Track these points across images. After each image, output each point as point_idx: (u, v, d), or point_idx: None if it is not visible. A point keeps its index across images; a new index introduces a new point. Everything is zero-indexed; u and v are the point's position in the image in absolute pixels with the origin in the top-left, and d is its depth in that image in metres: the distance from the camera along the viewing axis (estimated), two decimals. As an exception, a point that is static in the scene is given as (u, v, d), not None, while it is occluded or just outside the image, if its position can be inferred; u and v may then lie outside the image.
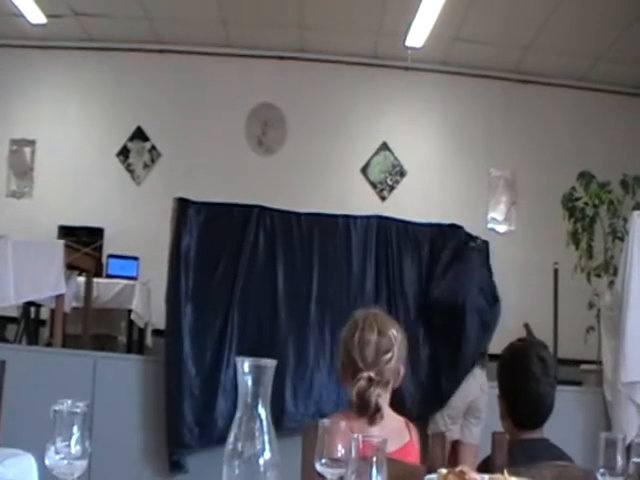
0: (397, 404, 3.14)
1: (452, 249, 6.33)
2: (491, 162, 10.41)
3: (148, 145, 10.39)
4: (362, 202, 9.57)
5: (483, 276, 6.29)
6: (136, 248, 9.15)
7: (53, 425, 1.69)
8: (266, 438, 1.61)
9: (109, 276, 8.78)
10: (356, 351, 3.02)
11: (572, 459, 3.04)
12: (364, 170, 10.44)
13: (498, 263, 7.60)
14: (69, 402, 1.73)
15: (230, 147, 10.32)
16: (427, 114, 10.72)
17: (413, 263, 6.33)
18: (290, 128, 10.48)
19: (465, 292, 6.07)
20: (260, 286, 6.16)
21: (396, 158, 10.47)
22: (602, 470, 2.16)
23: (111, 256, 9.08)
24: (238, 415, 1.62)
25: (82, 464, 1.71)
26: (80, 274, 7.90)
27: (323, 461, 1.94)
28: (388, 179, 10.46)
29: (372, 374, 2.98)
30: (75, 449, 1.70)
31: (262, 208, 6.31)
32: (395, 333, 3.08)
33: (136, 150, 10.39)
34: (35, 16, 9.31)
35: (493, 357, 3.68)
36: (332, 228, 6.40)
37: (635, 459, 2.16)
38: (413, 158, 10.49)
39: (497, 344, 3.90)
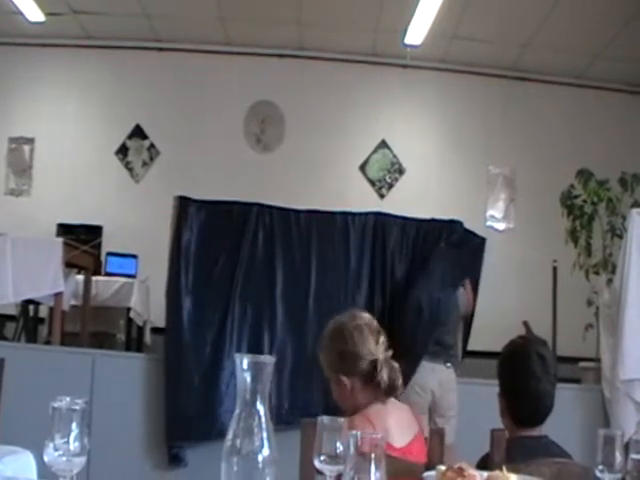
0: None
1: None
2: (490, 159, 10.42)
3: (147, 143, 10.39)
4: (361, 200, 9.58)
5: (443, 269, 6.25)
6: (135, 246, 9.16)
7: (52, 422, 1.69)
8: (265, 435, 1.61)
9: (108, 274, 8.78)
10: (359, 347, 3.05)
11: (571, 456, 3.04)
12: (363, 168, 10.44)
13: (497, 261, 7.64)
14: (68, 399, 1.73)
15: (229, 145, 10.33)
16: (426, 112, 10.73)
17: (411, 259, 6.35)
18: (288, 126, 10.48)
19: (416, 283, 6.13)
20: (259, 282, 6.20)
21: (395, 156, 10.47)
22: (601, 467, 2.17)
23: (110, 254, 9.09)
24: (237, 412, 1.62)
25: (81, 461, 1.71)
26: (79, 272, 7.90)
27: (322, 457, 1.94)
28: (387, 177, 10.46)
29: (383, 355, 3.05)
30: (74, 446, 1.70)
31: (261, 206, 6.35)
32: (379, 328, 3.15)
33: (135, 148, 10.39)
34: (34, 14, 9.31)
35: (493, 355, 3.66)
36: (330, 225, 6.43)
37: (633, 456, 2.16)
38: (412, 156, 10.50)
39: (496, 342, 3.89)
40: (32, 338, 8.43)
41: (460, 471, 2.07)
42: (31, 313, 8.55)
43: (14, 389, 5.23)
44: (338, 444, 1.94)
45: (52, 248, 6.75)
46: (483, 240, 6.94)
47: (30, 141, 10.34)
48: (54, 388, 2.67)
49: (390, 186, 10.44)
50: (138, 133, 10.38)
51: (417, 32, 9.19)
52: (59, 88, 10.48)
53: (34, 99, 10.36)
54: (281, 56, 10.43)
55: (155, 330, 8.56)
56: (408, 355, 5.77)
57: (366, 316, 3.16)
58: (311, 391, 5.97)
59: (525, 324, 8.84)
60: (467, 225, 6.74)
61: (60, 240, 7.07)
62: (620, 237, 6.86)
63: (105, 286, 8.43)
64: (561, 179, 7.98)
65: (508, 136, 10.38)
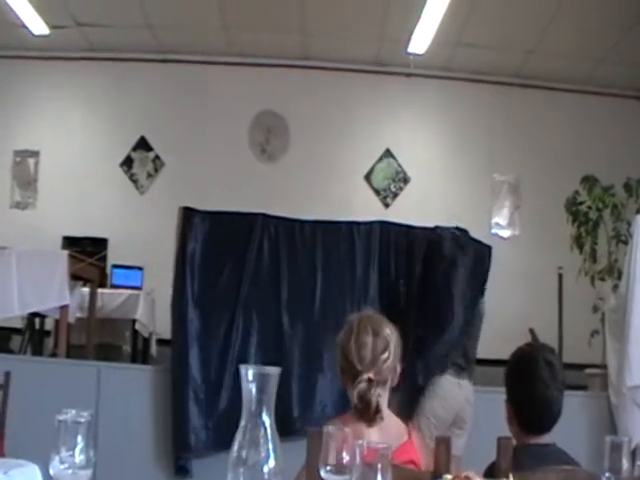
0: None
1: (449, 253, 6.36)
2: (494, 167, 10.41)
3: (152, 155, 10.40)
4: (366, 209, 9.58)
5: (455, 281, 6.23)
6: (140, 258, 9.16)
7: (57, 435, 1.70)
8: (270, 446, 1.62)
9: (113, 286, 8.78)
10: (354, 355, 3.02)
11: (578, 463, 3.03)
12: (368, 177, 10.44)
13: (502, 268, 7.60)
14: (73, 412, 1.73)
15: (233, 155, 10.33)
16: (430, 120, 10.73)
17: (416, 267, 6.34)
18: (293, 135, 10.49)
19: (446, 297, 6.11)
20: (264, 292, 6.21)
21: (399, 165, 10.47)
22: (607, 474, 2.16)
23: (115, 266, 9.09)
24: (242, 423, 1.62)
25: (87, 473, 1.71)
26: (84, 284, 7.91)
27: (328, 468, 1.94)
28: (392, 186, 10.46)
29: (371, 375, 2.98)
30: (79, 458, 1.70)
31: (266, 216, 6.36)
32: (389, 332, 3.10)
33: (139, 160, 10.40)
34: (38, 27, 9.34)
35: (500, 362, 3.66)
36: (335, 234, 6.44)
37: (640, 462, 2.16)
38: (416, 164, 10.49)
39: (502, 349, 3.89)
40: (38, 351, 8.42)
41: (467, 480, 2.07)
42: (37, 326, 8.54)
43: (20, 402, 5.24)
44: (344, 454, 1.93)
45: (57, 260, 6.76)
46: (489, 248, 6.93)
47: (35, 154, 10.36)
48: (60, 400, 2.67)
49: (395, 195, 10.44)
50: (143, 145, 10.40)
51: (421, 41, 9.20)
52: (63, 101, 10.50)
53: (38, 112, 10.38)
54: (285, 66, 10.44)
55: (161, 342, 8.55)
56: (423, 368, 5.81)
57: (386, 331, 3.12)
58: (317, 400, 5.97)
59: (531, 331, 8.83)
60: (472, 233, 6.73)
61: (65, 252, 7.08)
62: (625, 243, 6.86)
63: (111, 298, 8.42)
64: (566, 185, 7.98)
65: (512, 143, 10.37)
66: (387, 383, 3.06)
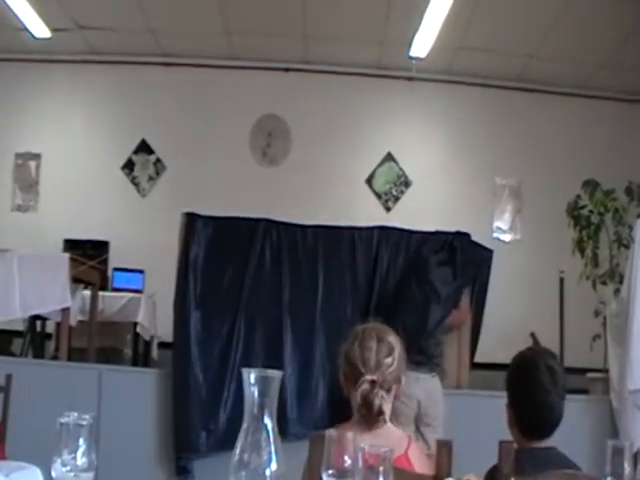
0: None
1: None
2: (496, 171, 10.40)
3: (153, 158, 10.40)
4: (367, 213, 9.58)
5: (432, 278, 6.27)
6: (141, 261, 9.16)
7: (59, 437, 1.69)
8: (272, 449, 1.61)
9: (115, 289, 8.79)
10: (357, 358, 3.02)
11: (580, 468, 3.03)
12: (369, 181, 10.44)
13: (503, 272, 7.62)
14: (75, 414, 1.73)
15: (235, 159, 10.33)
16: (431, 124, 10.72)
17: (414, 271, 6.36)
18: (294, 139, 10.49)
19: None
20: (266, 296, 6.23)
21: (401, 168, 10.47)
22: (609, 478, 2.15)
23: (117, 269, 9.09)
24: (244, 426, 1.62)
25: (88, 476, 1.71)
26: (86, 287, 7.91)
27: (330, 472, 1.93)
28: (393, 190, 10.45)
29: (375, 377, 2.98)
30: (81, 461, 1.69)
31: (268, 221, 6.39)
32: (394, 340, 3.10)
33: (141, 163, 10.40)
34: (39, 30, 9.34)
35: (500, 367, 3.66)
36: (337, 239, 6.47)
37: (642, 467, 2.16)
38: (418, 168, 10.49)
39: (503, 354, 3.89)
40: (39, 354, 8.43)
41: (468, 484, 2.07)
42: (38, 328, 8.55)
43: (21, 404, 5.24)
44: (346, 458, 1.93)
45: (59, 263, 6.77)
46: (490, 252, 6.95)
47: (36, 157, 10.36)
48: (61, 403, 2.68)
49: (396, 199, 10.43)
50: (144, 148, 10.40)
51: (422, 44, 9.20)
52: (65, 104, 10.50)
53: (40, 115, 10.39)
54: (287, 70, 10.44)
55: (162, 345, 8.56)
56: None
57: (390, 339, 3.12)
58: (318, 404, 5.99)
59: (532, 336, 8.82)
60: (474, 237, 6.74)
61: (67, 255, 7.08)
62: (627, 247, 6.86)
63: (112, 301, 8.43)
64: (567, 189, 7.98)
65: (514, 147, 10.36)
66: (391, 391, 3.05)
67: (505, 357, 3.57)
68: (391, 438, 2.94)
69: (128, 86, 10.47)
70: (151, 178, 10.39)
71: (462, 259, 6.40)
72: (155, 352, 8.88)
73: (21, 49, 10.01)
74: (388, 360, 3.03)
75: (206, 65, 10.39)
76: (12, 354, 8.64)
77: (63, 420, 1.71)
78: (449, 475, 2.28)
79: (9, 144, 10.32)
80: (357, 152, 10.42)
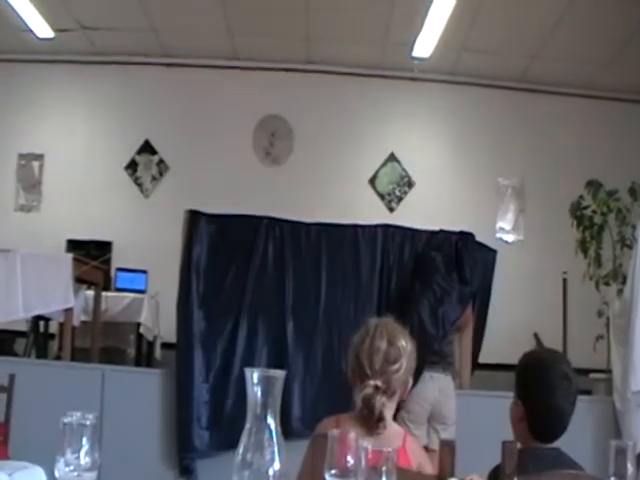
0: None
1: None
2: (499, 171, 10.39)
3: (156, 158, 10.40)
4: (370, 213, 9.56)
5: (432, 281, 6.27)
6: (144, 261, 9.16)
7: (62, 437, 1.70)
8: (275, 449, 1.61)
9: (118, 289, 8.79)
10: (365, 358, 3.00)
11: (583, 468, 3.02)
12: (372, 181, 10.43)
13: (506, 272, 7.61)
14: (78, 414, 1.73)
15: (238, 159, 10.32)
16: (434, 124, 10.71)
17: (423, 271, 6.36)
18: (297, 139, 10.48)
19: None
20: (269, 295, 6.23)
21: (404, 169, 10.46)
22: (612, 478, 2.15)
23: (120, 269, 9.10)
24: (247, 426, 1.62)
25: (92, 476, 1.71)
26: (89, 287, 7.92)
27: (333, 472, 1.93)
28: (396, 190, 10.44)
29: (379, 382, 2.96)
30: (84, 461, 1.70)
31: (271, 219, 6.39)
32: (405, 344, 3.06)
33: (144, 163, 10.40)
34: (43, 31, 9.35)
35: (503, 367, 3.65)
36: (340, 237, 6.46)
37: (645, 467, 2.15)
38: (421, 169, 10.48)
39: (506, 354, 3.89)
40: (42, 354, 8.43)
41: (472, 483, 2.07)
42: (41, 329, 8.56)
43: (25, 404, 5.25)
44: (349, 458, 1.93)
45: (62, 264, 6.77)
46: (494, 252, 6.95)
47: (39, 157, 10.36)
48: (64, 403, 2.67)
49: (399, 199, 10.43)
50: (147, 148, 10.40)
51: (425, 45, 9.19)
52: (68, 104, 10.50)
53: (43, 115, 10.39)
54: (289, 70, 10.43)
55: (165, 345, 8.56)
56: None
57: (401, 342, 3.10)
58: (321, 403, 5.98)
59: (535, 336, 8.83)
60: (477, 237, 6.74)
61: (70, 256, 7.09)
62: (630, 247, 6.86)
63: (115, 301, 8.43)
64: (570, 190, 7.98)
65: (517, 147, 10.36)
66: (395, 395, 3.04)
67: (508, 357, 3.57)
68: (388, 434, 2.96)
69: (131, 87, 10.47)
70: (154, 178, 10.39)
71: (468, 259, 6.39)
72: (158, 352, 8.89)
73: (24, 49, 10.02)
74: (395, 366, 3.01)
75: (209, 65, 10.39)
76: (15, 354, 8.64)
77: (66, 420, 1.71)
78: (452, 475, 2.28)
79: (12, 144, 10.33)
80: (360, 152, 10.42)
